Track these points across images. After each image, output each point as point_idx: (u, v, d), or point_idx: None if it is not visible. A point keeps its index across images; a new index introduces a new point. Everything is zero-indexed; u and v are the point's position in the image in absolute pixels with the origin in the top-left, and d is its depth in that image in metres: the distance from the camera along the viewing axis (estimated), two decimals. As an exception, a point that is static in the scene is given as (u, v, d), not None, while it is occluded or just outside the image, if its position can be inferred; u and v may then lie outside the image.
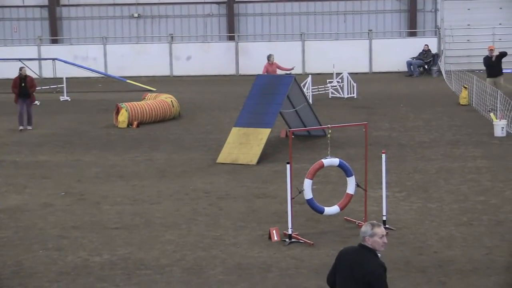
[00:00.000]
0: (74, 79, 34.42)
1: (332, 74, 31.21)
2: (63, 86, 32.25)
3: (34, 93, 25.00)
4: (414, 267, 11.37)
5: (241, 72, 39.73)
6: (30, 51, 39.80)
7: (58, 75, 34.53)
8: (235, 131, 19.76)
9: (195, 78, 38.81)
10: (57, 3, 42.71)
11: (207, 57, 40.02)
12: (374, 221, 7.20)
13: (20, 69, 25.02)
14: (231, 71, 40.01)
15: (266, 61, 28.66)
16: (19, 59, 34.05)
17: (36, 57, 39.31)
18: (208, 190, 16.41)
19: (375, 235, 7.06)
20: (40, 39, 41.19)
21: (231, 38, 41.53)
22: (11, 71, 25.10)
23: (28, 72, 25.83)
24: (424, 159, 18.94)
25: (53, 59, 36.65)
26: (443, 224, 13.56)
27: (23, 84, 24.44)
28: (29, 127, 24.45)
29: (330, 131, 13.64)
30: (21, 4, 42.90)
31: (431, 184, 16.44)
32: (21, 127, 24.30)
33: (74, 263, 11.92)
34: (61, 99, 31.60)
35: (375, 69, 39.45)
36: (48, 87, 33.27)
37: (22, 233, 13.55)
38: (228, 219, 14.22)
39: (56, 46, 41.60)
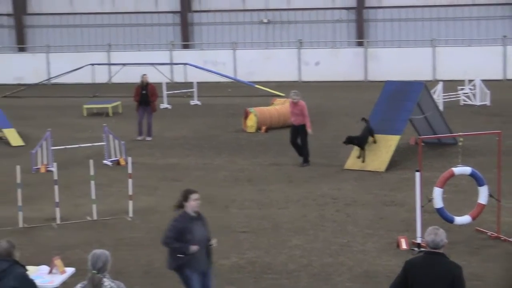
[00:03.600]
0: (204, 84, 34.97)
1: (463, 81, 30.50)
2: (193, 91, 32.84)
3: (155, 102, 24.08)
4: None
5: (370, 78, 39.38)
6: (162, 56, 40.75)
7: (189, 80, 35.20)
8: (363, 137, 19.60)
9: (323, 83, 38.75)
10: (189, 9, 43.57)
11: (335, 62, 39.88)
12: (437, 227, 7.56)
13: (142, 76, 24.32)
14: (359, 77, 39.72)
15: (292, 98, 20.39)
16: (152, 64, 34.91)
17: (168, 62, 40.21)
18: (335, 196, 16.34)
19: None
20: (172, 44, 42.12)
21: (360, 44, 41.25)
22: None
23: (160, 77, 25.96)
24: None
25: (184, 64, 37.39)
26: None
27: (144, 92, 23.74)
28: (148, 138, 23.76)
29: (461, 139, 13.34)
30: (155, 10, 44.00)
31: None
32: (139, 137, 23.77)
33: (202, 265, 12.07)
34: (192, 103, 32.20)
35: (509, 76, 38.29)
36: (179, 91, 33.97)
37: (153, 234, 13.84)
38: (356, 226, 14.10)
39: (187, 51, 42.45)
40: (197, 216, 9.66)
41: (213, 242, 9.73)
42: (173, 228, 9.54)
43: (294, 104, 19.70)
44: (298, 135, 19.74)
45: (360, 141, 19.22)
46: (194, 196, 9.60)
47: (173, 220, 9.64)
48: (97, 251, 7.55)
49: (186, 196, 9.62)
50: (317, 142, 22.78)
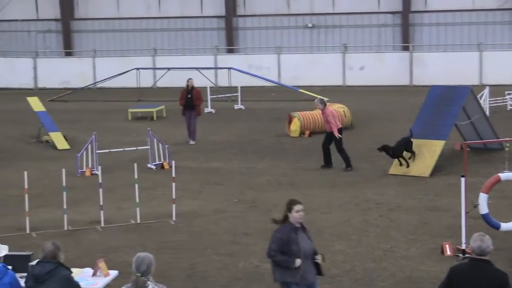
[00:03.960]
0: (248, 88, 35.04)
1: (511, 85, 30.12)
2: (237, 95, 32.91)
3: (200, 106, 24.22)
4: None
5: (415, 82, 39.10)
6: (206, 60, 40.93)
7: (233, 84, 35.30)
8: (408, 142, 19.44)
9: (368, 88, 38.57)
10: (234, 14, 43.71)
11: (380, 67, 39.68)
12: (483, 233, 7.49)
13: (188, 80, 24.41)
14: (404, 81, 39.45)
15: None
16: (196, 68, 35.08)
17: (212, 66, 40.38)
18: (379, 201, 16.24)
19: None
20: (217, 48, 42.28)
21: (405, 48, 40.99)
22: (189, 80, 25.94)
23: (204, 81, 26.03)
24: None
25: (229, 68, 37.51)
26: None
27: (189, 96, 23.88)
28: (192, 142, 23.90)
29: (508, 144, 13.17)
30: (200, 15, 44.22)
31: None
32: (191, 142, 23.98)
33: (245, 269, 12.11)
34: (235, 108, 32.27)
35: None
36: (223, 95, 34.08)
37: (196, 238, 13.90)
38: (399, 231, 14.00)
39: (231, 55, 42.59)
40: (301, 227, 9.28)
41: (319, 258, 9.28)
42: (277, 240, 9.15)
43: (322, 112, 20.08)
44: (330, 141, 19.89)
45: (394, 153, 19.07)
46: (297, 207, 9.20)
47: (277, 232, 9.25)
48: (141, 254, 7.59)
49: (289, 207, 9.22)
50: (361, 147, 22.67)
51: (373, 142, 23.34)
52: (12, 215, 15.61)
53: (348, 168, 19.62)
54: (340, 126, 20.10)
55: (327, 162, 20.05)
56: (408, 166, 18.84)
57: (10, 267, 8.63)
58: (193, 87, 24.10)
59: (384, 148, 19.24)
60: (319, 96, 19.95)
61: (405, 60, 39.84)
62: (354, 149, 22.39)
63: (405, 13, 41.93)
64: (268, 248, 9.23)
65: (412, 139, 19.06)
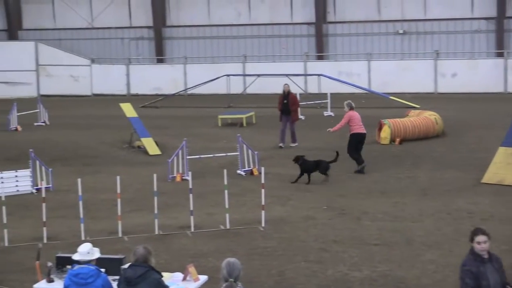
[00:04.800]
0: (338, 95, 34.83)
1: None
2: (327, 102, 32.79)
3: (296, 111, 24.61)
4: None
5: (510, 89, 38.28)
6: (296, 67, 40.95)
7: (323, 91, 35.20)
8: (502, 150, 18.96)
9: (460, 95, 37.91)
10: (324, 21, 43.60)
11: (473, 74, 38.98)
12: None
13: (283, 85, 24.90)
14: (498, 88, 38.65)
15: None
16: (286, 75, 35.13)
17: (302, 73, 40.36)
18: (471, 211, 15.91)
19: None
20: (307, 55, 42.26)
21: (499, 55, 40.14)
22: (279, 87, 25.93)
23: (294, 88, 26.08)
24: None
25: (318, 75, 37.44)
26: None
27: (285, 101, 24.30)
28: (293, 144, 24.40)
29: None
30: (290, 22, 44.27)
31: None
32: (280, 144, 24.30)
33: (334, 277, 12.02)
34: (325, 114, 32.15)
35: None
36: (313, 102, 33.98)
37: (285, 244, 13.88)
38: (492, 242, 13.55)
39: (321, 62, 42.49)
40: (489, 258, 8.41)
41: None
42: (468, 274, 8.25)
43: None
44: (354, 143, 20.55)
45: (304, 166, 19.27)
46: (478, 238, 8.33)
47: (463, 265, 8.37)
48: (231, 259, 7.62)
49: (471, 236, 8.41)
50: (454, 155, 22.28)
51: (466, 150, 22.95)
52: (105, 219, 15.90)
53: (360, 167, 20.28)
54: (358, 131, 20.40)
55: (360, 162, 20.44)
56: (308, 183, 18.96)
57: (103, 270, 8.79)
58: (289, 92, 24.59)
59: (297, 159, 19.42)
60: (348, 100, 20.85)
61: (499, 66, 39.03)
62: (446, 157, 22.05)
63: (500, 18, 41.05)
64: (462, 283, 8.37)
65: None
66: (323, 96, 34.19)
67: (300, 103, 31.12)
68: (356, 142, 20.45)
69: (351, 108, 20.54)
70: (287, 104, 24.30)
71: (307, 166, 19.34)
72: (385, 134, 24.68)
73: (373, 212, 16.06)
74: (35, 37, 45.45)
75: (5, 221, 14.25)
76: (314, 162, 19.43)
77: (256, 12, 44.62)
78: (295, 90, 32.73)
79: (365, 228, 14.82)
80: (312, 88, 38.82)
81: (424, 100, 35.93)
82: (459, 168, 20.31)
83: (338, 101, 33.60)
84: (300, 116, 30.90)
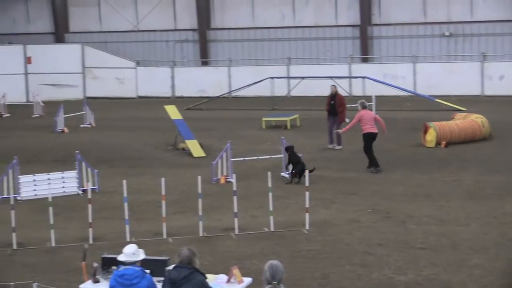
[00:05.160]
0: (383, 97, 34.62)
1: None
2: (372, 104, 32.61)
3: (342, 113, 24.71)
4: None
5: (558, 92, 37.72)
6: (341, 69, 40.77)
7: (367, 93, 35.00)
8: (550, 154, 18.74)
9: (508, 98, 37.43)
10: (369, 23, 43.37)
11: (521, 76, 38.46)
12: None
13: (330, 86, 25.23)
14: (546, 91, 38.09)
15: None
16: (331, 77, 34.99)
17: (347, 75, 40.19)
18: (519, 215, 15.70)
19: None
20: (351, 57, 42.08)
21: (547, 57, 39.59)
22: (323, 89, 25.80)
23: (339, 90, 26.01)
24: None
25: (363, 78, 37.25)
26: None
27: (332, 102, 24.61)
28: (338, 147, 24.48)
29: None
30: (334, 24, 44.12)
31: None
32: (329, 146, 24.66)
33: (378, 280, 11.95)
34: (370, 117, 31.93)
35: None
36: (357, 105, 33.78)
37: (329, 247, 13.84)
38: (541, 247, 13.47)
39: (366, 64, 42.25)
40: None
41: None
42: None
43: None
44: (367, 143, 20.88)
45: (296, 164, 19.62)
46: None
47: None
48: (273, 262, 7.60)
49: None
50: (501, 158, 22.02)
51: (513, 154, 22.66)
52: (150, 220, 16.00)
53: (371, 168, 20.44)
54: (369, 131, 20.69)
55: (375, 164, 20.60)
56: (298, 182, 19.20)
57: (148, 271, 8.84)
58: (336, 93, 24.83)
59: (288, 149, 20.01)
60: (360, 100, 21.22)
61: (547, 69, 38.46)
62: (493, 161, 21.79)
63: (548, 20, 40.49)
64: None
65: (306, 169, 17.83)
66: (367, 98, 33.94)
67: (345, 108, 31.07)
68: (369, 140, 20.81)
69: (364, 108, 20.87)
70: (334, 105, 24.55)
71: (293, 158, 19.83)
72: (430, 137, 24.47)
73: (418, 215, 15.94)
74: (81, 40, 45.90)
75: (51, 221, 14.41)
76: (298, 159, 19.81)
77: (301, 15, 44.54)
78: (340, 92, 32.65)
79: (410, 232, 14.71)
80: (357, 91, 38.62)
81: (471, 103, 35.53)
82: (505, 172, 20.05)
83: (383, 103, 33.47)
84: (346, 119, 30.80)
